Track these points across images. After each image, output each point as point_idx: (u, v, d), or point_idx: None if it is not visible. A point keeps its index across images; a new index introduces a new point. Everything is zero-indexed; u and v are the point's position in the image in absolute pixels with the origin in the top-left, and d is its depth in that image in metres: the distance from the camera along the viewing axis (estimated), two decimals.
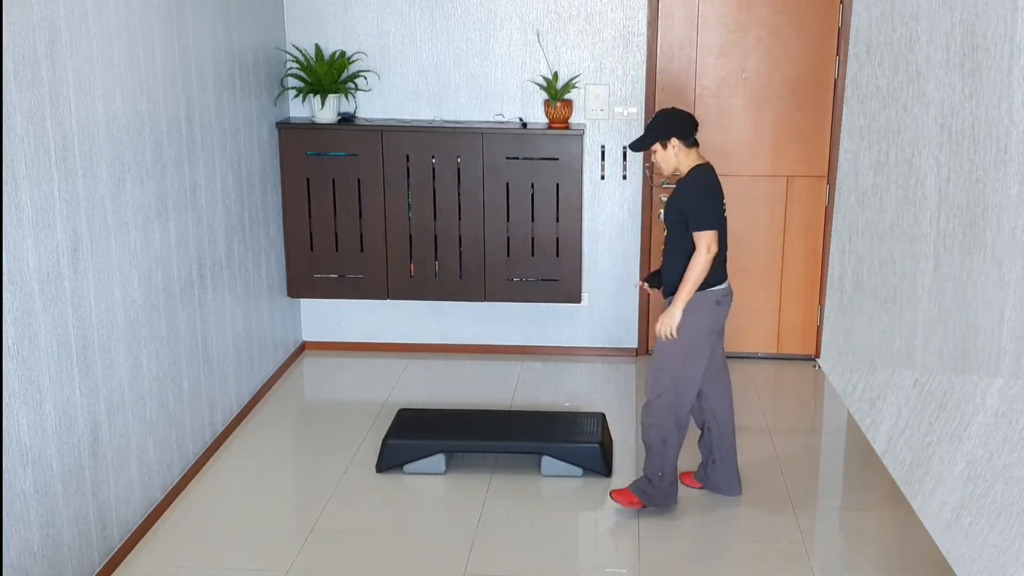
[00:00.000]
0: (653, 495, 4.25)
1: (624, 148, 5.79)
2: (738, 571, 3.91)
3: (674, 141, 4.12)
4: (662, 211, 4.33)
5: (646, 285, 4.50)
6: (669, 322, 4.10)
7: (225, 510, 4.32)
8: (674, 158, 4.16)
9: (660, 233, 5.91)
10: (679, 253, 4.14)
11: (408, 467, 4.58)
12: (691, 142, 4.15)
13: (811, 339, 6.01)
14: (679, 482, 4.38)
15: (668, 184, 4.22)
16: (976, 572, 2.70)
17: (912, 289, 2.92)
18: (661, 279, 4.33)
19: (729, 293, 4.23)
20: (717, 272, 4.13)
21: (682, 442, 4.23)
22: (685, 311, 4.10)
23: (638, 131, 5.76)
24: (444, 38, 5.73)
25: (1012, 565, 2.62)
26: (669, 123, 4.15)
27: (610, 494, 4.34)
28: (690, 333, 4.12)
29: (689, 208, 4.07)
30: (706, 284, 4.11)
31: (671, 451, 4.21)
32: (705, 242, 4.02)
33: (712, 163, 5.99)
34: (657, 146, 4.15)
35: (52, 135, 3.40)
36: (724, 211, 4.17)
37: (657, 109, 5.73)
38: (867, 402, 3.09)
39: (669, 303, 4.19)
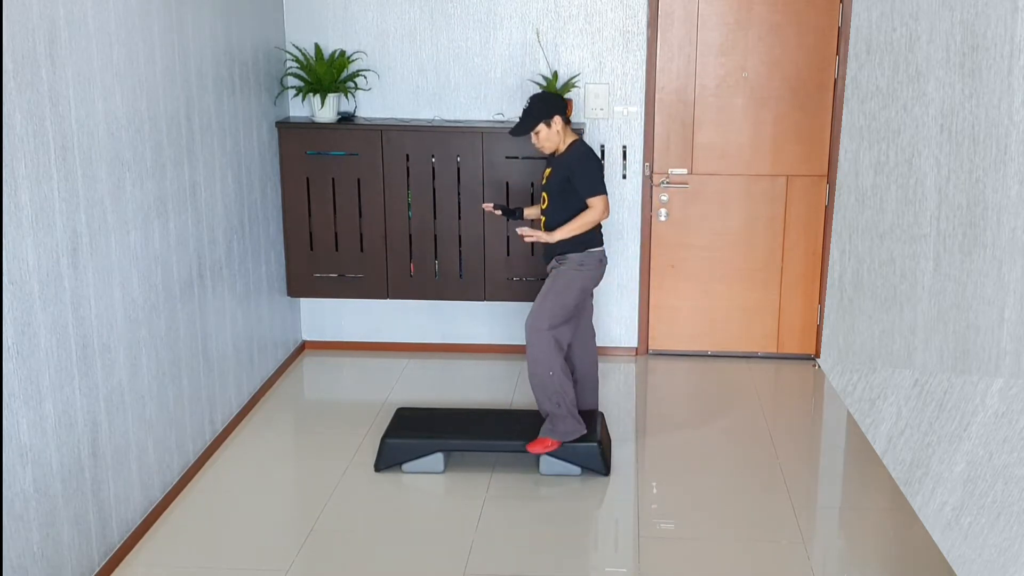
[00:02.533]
0: (562, 428, 4.49)
1: (624, 148, 5.79)
2: (738, 571, 3.92)
3: (557, 119, 4.46)
4: (544, 181, 4.60)
5: (492, 206, 4.84)
6: (543, 237, 4.47)
7: (225, 509, 4.32)
8: (557, 136, 4.49)
9: (657, 231, 5.91)
10: (560, 221, 4.48)
11: (407, 466, 4.59)
12: (567, 120, 4.51)
13: (811, 339, 6.01)
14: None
15: (552, 158, 4.45)
16: (976, 572, 2.71)
17: (912, 289, 2.92)
18: (512, 211, 4.84)
19: (606, 257, 4.65)
20: (599, 234, 4.58)
21: (566, 372, 4.53)
22: (580, 264, 4.50)
23: (638, 130, 5.77)
24: (444, 37, 5.73)
25: (1012, 565, 2.62)
26: (549, 103, 4.50)
27: (526, 449, 4.51)
28: (576, 285, 4.51)
29: (581, 176, 4.44)
30: (593, 243, 4.54)
31: (561, 381, 4.48)
32: (601, 205, 4.46)
33: (712, 162, 6.01)
34: (541, 126, 4.46)
35: (52, 135, 3.40)
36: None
37: (656, 109, 5.76)
38: (867, 402, 3.09)
39: (552, 268, 4.58)
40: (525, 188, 5.62)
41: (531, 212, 4.88)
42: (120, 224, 3.88)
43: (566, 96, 5.65)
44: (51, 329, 3.42)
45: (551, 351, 4.47)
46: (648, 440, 5.06)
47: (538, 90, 5.71)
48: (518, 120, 4.54)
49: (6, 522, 3.21)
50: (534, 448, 4.50)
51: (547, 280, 4.59)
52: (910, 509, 3.29)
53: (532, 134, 4.49)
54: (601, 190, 4.46)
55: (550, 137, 4.48)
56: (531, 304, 5.92)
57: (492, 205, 4.85)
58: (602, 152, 5.81)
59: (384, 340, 6.13)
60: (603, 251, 4.60)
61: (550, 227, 4.53)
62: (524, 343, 6.03)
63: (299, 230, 5.74)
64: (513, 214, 4.86)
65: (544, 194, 4.58)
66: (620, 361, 6.04)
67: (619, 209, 5.88)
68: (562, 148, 4.53)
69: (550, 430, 4.51)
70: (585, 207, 4.47)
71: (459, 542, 4.05)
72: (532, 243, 4.57)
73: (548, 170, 4.58)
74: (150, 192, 4.11)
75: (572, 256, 4.52)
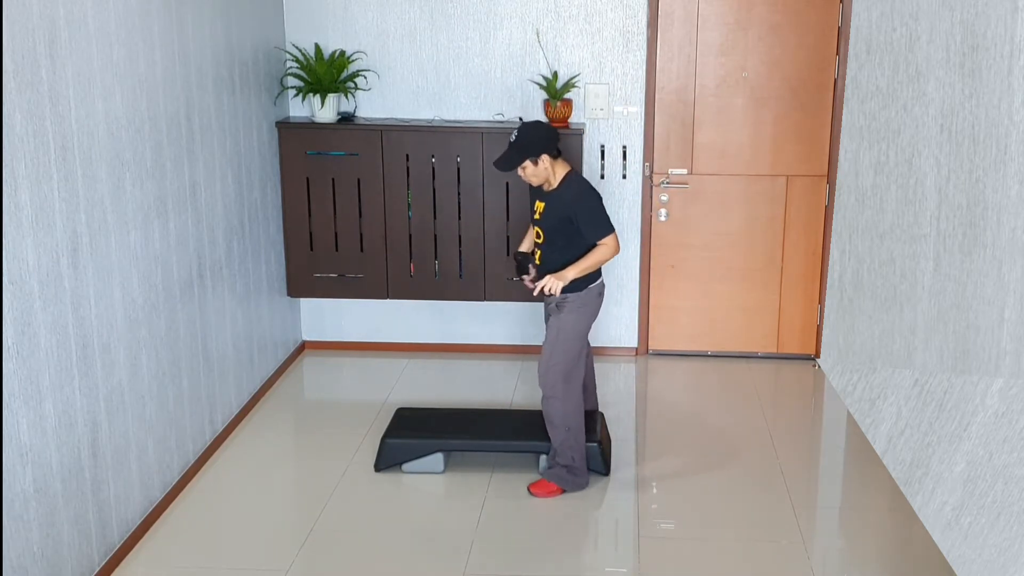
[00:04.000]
0: (573, 480, 4.43)
1: (623, 147, 5.79)
2: (738, 571, 3.91)
3: (545, 157, 4.25)
4: (538, 216, 4.38)
5: (527, 278, 4.53)
6: (559, 281, 4.24)
7: (225, 509, 4.32)
8: (545, 172, 4.28)
9: (657, 231, 5.91)
10: (557, 258, 4.32)
11: (407, 466, 4.59)
12: (556, 153, 4.30)
13: (811, 339, 6.01)
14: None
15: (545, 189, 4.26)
16: (976, 572, 2.71)
17: (912, 289, 2.92)
18: (527, 260, 4.53)
19: (604, 286, 4.49)
20: (595, 270, 4.38)
21: (582, 423, 4.43)
22: (583, 305, 4.33)
23: (638, 130, 5.77)
24: (444, 37, 5.73)
25: (1012, 565, 2.62)
26: (538, 139, 4.25)
27: (529, 490, 4.43)
28: (582, 326, 4.37)
29: (586, 220, 4.26)
30: (594, 278, 4.37)
31: (578, 435, 4.41)
32: (614, 244, 4.30)
33: (712, 162, 6.01)
34: (527, 163, 4.25)
35: (52, 135, 3.40)
36: None
37: (656, 109, 5.76)
38: (867, 402, 3.09)
39: (551, 306, 4.40)
40: (525, 188, 5.61)
41: (527, 245, 4.63)
42: (120, 224, 3.88)
43: (566, 96, 5.66)
44: (51, 329, 3.42)
45: (568, 405, 4.35)
46: (648, 440, 5.06)
47: (537, 89, 5.72)
48: (505, 151, 4.29)
49: (6, 522, 3.21)
50: (539, 490, 4.41)
51: (551, 327, 4.39)
52: (910, 509, 3.29)
53: (518, 168, 4.28)
54: (610, 229, 4.28)
55: (537, 173, 4.27)
56: (530, 304, 5.94)
57: (527, 277, 4.49)
58: (602, 152, 5.81)
59: (384, 340, 6.13)
60: (602, 282, 4.43)
61: (550, 265, 4.32)
62: (523, 343, 6.06)
63: (299, 230, 5.74)
64: (524, 265, 4.52)
65: (538, 229, 4.38)
66: (620, 361, 6.04)
67: (619, 209, 5.88)
68: (554, 182, 4.30)
69: (562, 479, 4.42)
70: (573, 245, 4.29)
71: (459, 542, 4.05)
72: (549, 293, 4.26)
73: (541, 204, 4.35)
74: (150, 192, 4.11)
75: (573, 297, 4.32)
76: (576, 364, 4.37)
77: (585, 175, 5.79)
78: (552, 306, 4.41)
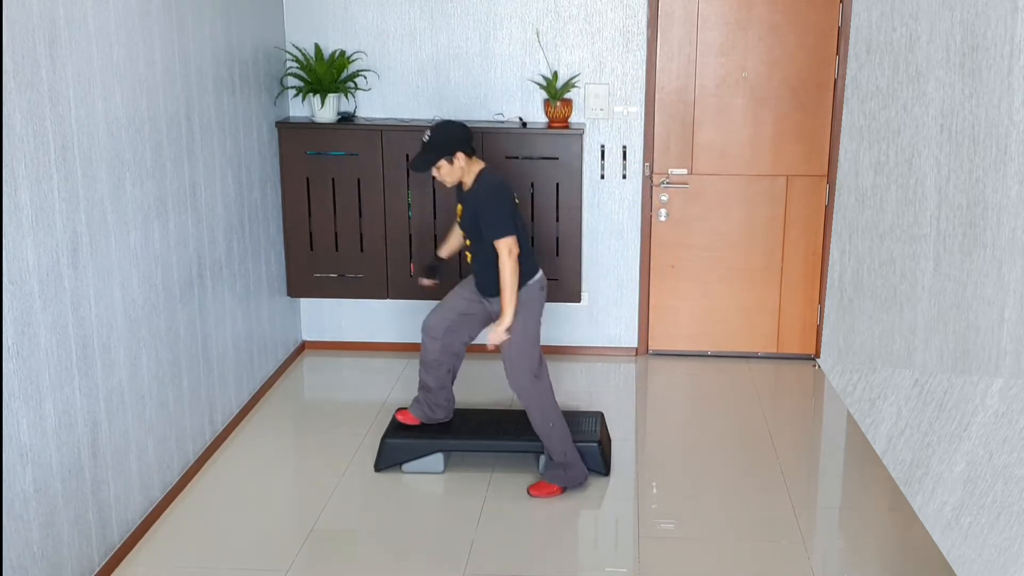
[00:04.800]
0: (569, 477, 4.44)
1: (623, 148, 5.79)
2: (738, 571, 3.92)
3: (459, 155, 4.22)
4: (459, 219, 4.40)
5: (427, 282, 4.68)
6: (502, 329, 4.26)
7: (225, 510, 4.32)
8: (459, 171, 4.26)
9: (657, 231, 5.91)
10: (487, 258, 4.30)
11: (406, 466, 4.59)
12: (471, 151, 4.28)
13: (811, 339, 6.01)
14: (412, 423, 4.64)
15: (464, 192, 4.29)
16: (976, 572, 2.71)
17: (912, 289, 2.92)
18: (437, 270, 4.65)
19: (544, 279, 4.46)
20: (527, 266, 4.33)
21: (562, 416, 4.46)
22: (520, 309, 4.30)
23: (638, 130, 5.77)
24: (444, 37, 5.73)
25: (1012, 565, 2.62)
26: (452, 138, 4.23)
27: (529, 492, 4.43)
28: (531, 324, 4.37)
29: (483, 219, 4.23)
30: (528, 276, 4.34)
31: (562, 429, 4.43)
32: (505, 248, 4.19)
33: (712, 162, 6.01)
34: (443, 162, 4.23)
35: (52, 135, 3.40)
36: (517, 207, 4.35)
37: (656, 109, 5.76)
38: (867, 402, 3.09)
39: (490, 301, 4.43)
40: (525, 188, 5.62)
41: (448, 249, 4.64)
42: (120, 224, 3.88)
43: (566, 96, 5.66)
44: (51, 329, 3.42)
45: (544, 402, 4.40)
46: (648, 440, 5.06)
47: (537, 89, 5.72)
48: (419, 153, 4.25)
49: (6, 522, 3.21)
50: (538, 492, 4.41)
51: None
52: (910, 509, 3.29)
53: (433, 169, 4.25)
54: (502, 232, 4.18)
55: (451, 173, 4.24)
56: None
57: (427, 281, 4.64)
58: (602, 152, 5.81)
59: (384, 340, 6.13)
60: (541, 276, 4.40)
61: (485, 266, 4.30)
62: None
63: (299, 230, 5.74)
64: (434, 270, 4.65)
65: (463, 232, 4.39)
66: (620, 361, 6.04)
67: (619, 209, 5.89)
68: (468, 181, 4.28)
69: (561, 477, 4.43)
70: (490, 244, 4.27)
71: (459, 542, 4.05)
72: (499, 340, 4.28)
73: (460, 206, 4.35)
74: (150, 192, 4.11)
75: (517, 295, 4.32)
76: (541, 361, 4.41)
77: (585, 175, 5.79)
78: (495, 309, 4.40)
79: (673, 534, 4.17)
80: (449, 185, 4.33)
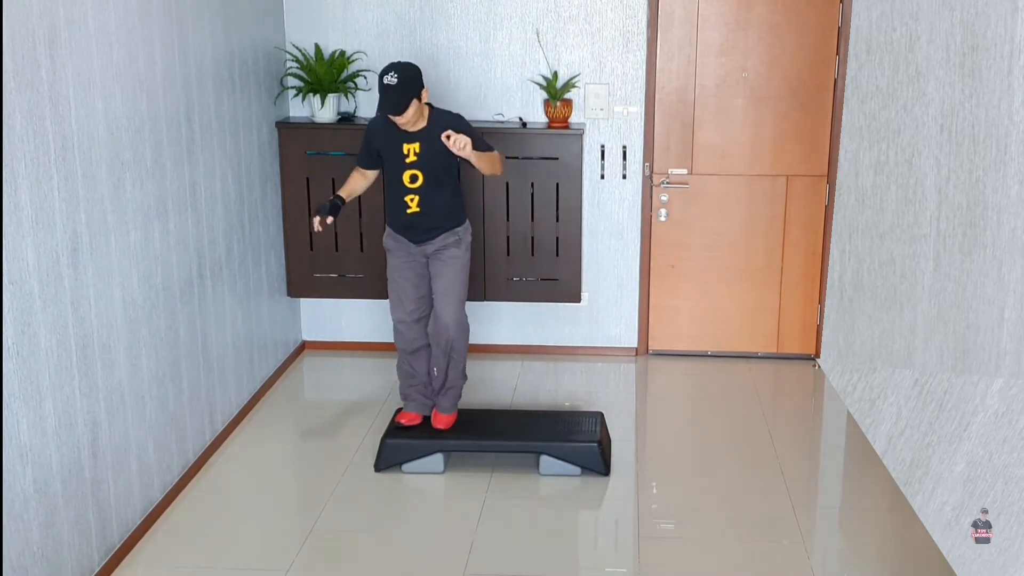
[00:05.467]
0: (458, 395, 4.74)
1: (623, 148, 5.79)
2: (738, 571, 3.91)
3: (424, 92, 4.26)
4: (413, 159, 4.33)
5: (319, 221, 4.39)
6: (467, 145, 4.22)
7: (225, 510, 4.32)
8: (421, 109, 4.27)
9: (657, 231, 5.91)
10: (449, 190, 4.44)
11: (407, 466, 4.59)
12: None
13: (811, 339, 6.01)
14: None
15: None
16: (976, 572, 2.71)
17: (912, 289, 2.92)
18: (339, 209, 4.44)
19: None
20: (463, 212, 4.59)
21: None
22: (463, 248, 4.51)
23: (638, 130, 5.77)
24: (444, 37, 5.73)
25: (1012, 565, 2.62)
26: (417, 75, 4.24)
27: (433, 423, 4.66)
28: (468, 254, 4.57)
29: (474, 133, 4.32)
30: (464, 218, 4.57)
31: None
32: (498, 153, 4.44)
33: (712, 162, 6.01)
34: (414, 101, 4.20)
35: (52, 135, 3.40)
36: None
37: (656, 109, 5.76)
38: (867, 402, 3.09)
39: (438, 244, 4.49)
40: (525, 188, 5.62)
41: (348, 191, 4.56)
42: (120, 224, 3.88)
43: (566, 96, 5.66)
44: (51, 329, 3.42)
45: (467, 335, 4.66)
46: (648, 440, 5.06)
47: (537, 89, 5.71)
48: (391, 96, 4.15)
49: (6, 522, 3.21)
50: (445, 421, 4.66)
51: (445, 266, 4.48)
52: (910, 509, 3.30)
53: (404, 117, 4.21)
54: (491, 144, 4.43)
55: (420, 110, 4.24)
56: (530, 304, 5.94)
57: (319, 220, 4.39)
58: (602, 152, 5.81)
59: (384, 340, 6.13)
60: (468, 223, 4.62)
61: (436, 208, 4.40)
62: (523, 343, 6.06)
63: (299, 230, 5.74)
64: (338, 208, 4.43)
65: (415, 172, 4.34)
66: (620, 361, 6.04)
67: (619, 209, 5.88)
68: (422, 122, 4.30)
69: (458, 400, 4.73)
70: (453, 180, 4.47)
71: (459, 542, 4.05)
72: (459, 148, 4.21)
73: (412, 146, 4.30)
74: (150, 192, 4.11)
75: (460, 231, 4.51)
76: None
77: (585, 175, 5.79)
78: (437, 249, 4.49)
79: (673, 534, 4.17)
80: (411, 127, 4.28)
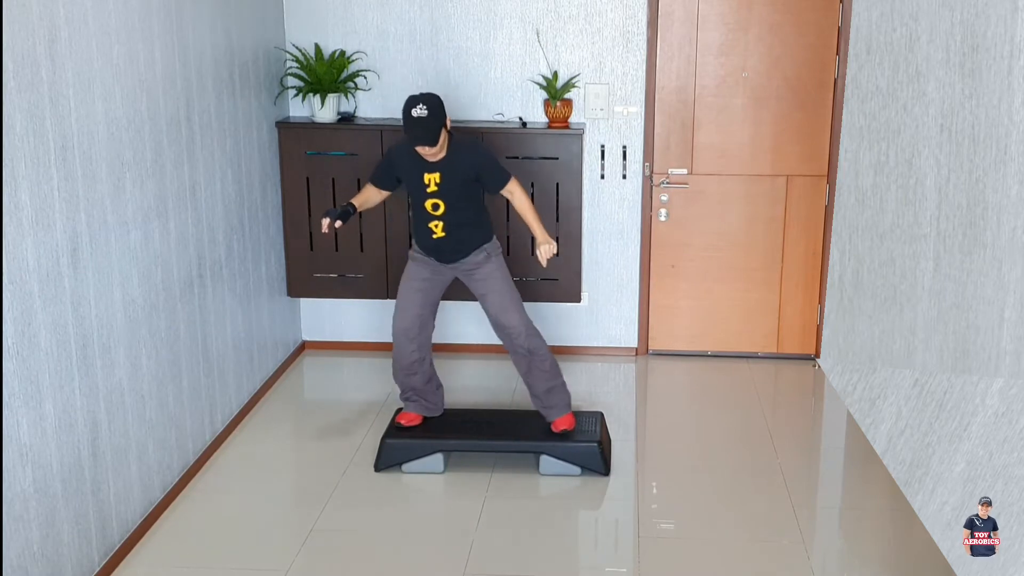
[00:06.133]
0: (568, 400, 4.69)
1: (623, 147, 5.78)
2: (738, 571, 3.92)
3: (448, 121, 4.28)
4: (433, 188, 4.33)
5: (328, 223, 4.40)
6: (549, 245, 4.38)
7: (225, 510, 4.32)
8: (445, 139, 4.28)
9: (657, 231, 5.91)
10: (468, 217, 4.43)
11: (407, 466, 4.59)
12: None
13: (811, 339, 6.01)
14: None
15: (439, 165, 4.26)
16: (976, 572, 2.71)
17: (912, 289, 2.92)
18: (349, 215, 4.45)
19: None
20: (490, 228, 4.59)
21: None
22: (497, 260, 4.52)
23: (638, 130, 5.77)
24: (444, 37, 5.73)
25: (1012, 565, 2.62)
26: (441, 106, 4.25)
27: (552, 425, 4.62)
28: (504, 265, 4.58)
29: (491, 166, 4.40)
30: (492, 235, 4.56)
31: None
32: (518, 185, 4.46)
33: (712, 162, 6.01)
34: (443, 131, 4.23)
35: (52, 135, 3.40)
36: None
37: (655, 109, 5.76)
38: (867, 402, 3.09)
39: (472, 264, 4.49)
40: (525, 187, 5.61)
41: (361, 202, 4.55)
42: (120, 224, 3.88)
43: (566, 96, 5.66)
44: (51, 329, 3.42)
45: (540, 336, 4.60)
46: (648, 440, 5.06)
47: (537, 89, 5.71)
48: (422, 128, 4.17)
49: (6, 522, 3.21)
50: (564, 424, 4.61)
51: (489, 280, 4.47)
52: (910, 509, 3.29)
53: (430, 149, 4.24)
54: (510, 173, 4.45)
55: (443, 140, 4.25)
56: (530, 304, 5.93)
57: (327, 223, 4.39)
58: (602, 152, 5.81)
59: (384, 340, 6.12)
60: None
61: (460, 232, 4.40)
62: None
63: (299, 230, 5.74)
64: (348, 215, 4.44)
65: (436, 201, 4.35)
66: (620, 361, 6.04)
67: (619, 209, 5.88)
68: (442, 152, 4.30)
69: (567, 403, 4.65)
70: (477, 203, 4.46)
71: (459, 542, 4.05)
72: (546, 255, 4.38)
73: (433, 176, 4.32)
74: (150, 192, 4.11)
75: (489, 247, 4.49)
76: None
77: (585, 175, 5.79)
78: (469, 269, 4.49)
79: (673, 534, 4.17)
80: (436, 157, 4.29)
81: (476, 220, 4.47)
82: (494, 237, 4.57)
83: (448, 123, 4.26)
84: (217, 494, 4.44)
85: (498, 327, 4.54)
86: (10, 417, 3.22)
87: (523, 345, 4.51)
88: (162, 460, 4.25)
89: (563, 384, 4.66)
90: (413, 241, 4.60)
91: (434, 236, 4.42)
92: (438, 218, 4.38)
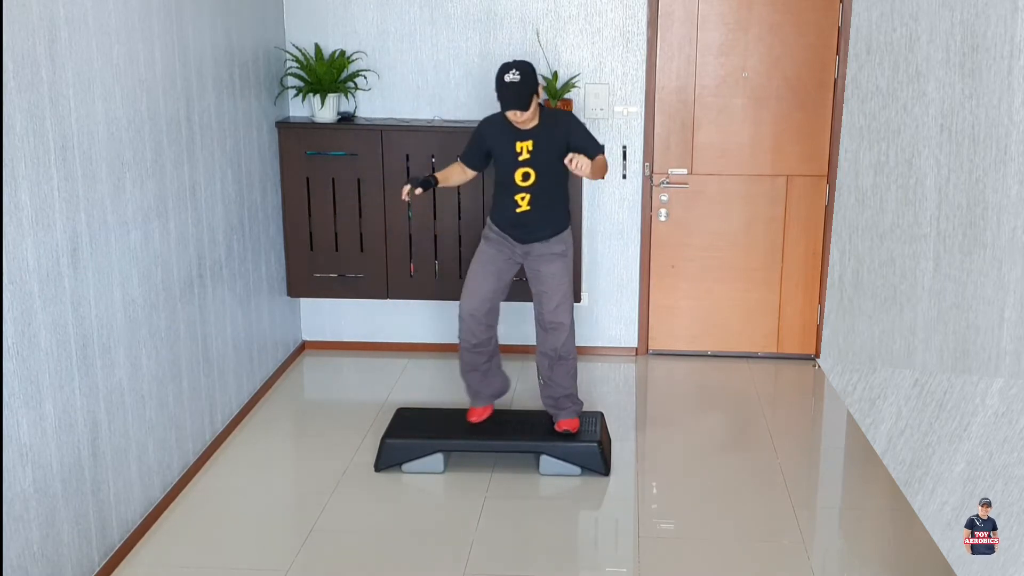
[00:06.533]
0: (579, 408, 4.72)
1: (623, 147, 5.78)
2: (738, 571, 3.92)
3: (540, 88, 4.30)
4: (526, 156, 4.33)
5: (407, 191, 4.40)
6: (586, 166, 4.26)
7: (225, 510, 4.32)
8: (536, 105, 4.31)
9: (657, 231, 5.91)
10: (553, 192, 4.45)
11: (406, 466, 4.59)
12: None
13: (811, 339, 6.01)
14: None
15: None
16: (976, 572, 2.71)
17: (912, 289, 2.92)
18: (430, 185, 4.46)
19: None
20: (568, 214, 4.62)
21: None
22: (566, 249, 4.53)
23: (638, 130, 5.77)
24: (444, 37, 5.73)
25: (1012, 565, 2.62)
26: (534, 73, 4.28)
27: (556, 424, 4.64)
28: (572, 258, 4.61)
29: (586, 134, 4.41)
30: (568, 223, 4.57)
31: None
32: (604, 157, 4.48)
33: (712, 162, 6.01)
34: (534, 98, 4.26)
35: (52, 135, 3.40)
36: None
37: (655, 109, 5.76)
38: (867, 402, 3.09)
39: (541, 248, 4.50)
40: None
41: (443, 176, 4.59)
42: (120, 224, 3.88)
43: (566, 96, 5.66)
44: (51, 329, 3.42)
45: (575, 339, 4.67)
46: (648, 440, 5.06)
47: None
48: (515, 92, 4.20)
49: (6, 522, 3.21)
50: (571, 424, 4.62)
51: (551, 276, 4.49)
52: (910, 509, 3.30)
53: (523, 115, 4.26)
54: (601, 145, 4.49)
55: (535, 106, 4.28)
56: (530, 304, 5.93)
57: (408, 189, 4.37)
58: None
59: (384, 340, 6.13)
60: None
61: (543, 206, 4.42)
62: (523, 343, 6.05)
63: (299, 230, 5.74)
64: (430, 185, 4.46)
65: (527, 170, 4.36)
66: (620, 361, 6.04)
67: (619, 209, 5.88)
68: (535, 120, 4.33)
69: (577, 410, 4.67)
70: (563, 179, 4.47)
71: (459, 542, 4.05)
72: (580, 170, 4.25)
73: (525, 143, 4.33)
74: (150, 192, 4.11)
75: (565, 236, 4.52)
76: None
77: None
78: (541, 254, 4.49)
79: (673, 534, 4.17)
80: (527, 125, 4.32)
81: (560, 199, 4.49)
82: (570, 227, 4.57)
83: (540, 91, 4.30)
84: (217, 494, 4.44)
85: (545, 324, 4.57)
86: (10, 417, 3.22)
87: (561, 346, 4.57)
88: (162, 460, 4.25)
89: (577, 392, 4.72)
90: (489, 219, 4.61)
91: (518, 210, 4.43)
92: (526, 189, 4.39)
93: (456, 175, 4.60)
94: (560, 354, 4.57)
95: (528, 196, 4.40)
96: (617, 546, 4.17)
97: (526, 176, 4.39)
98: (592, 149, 4.39)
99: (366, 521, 4.24)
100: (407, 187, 4.39)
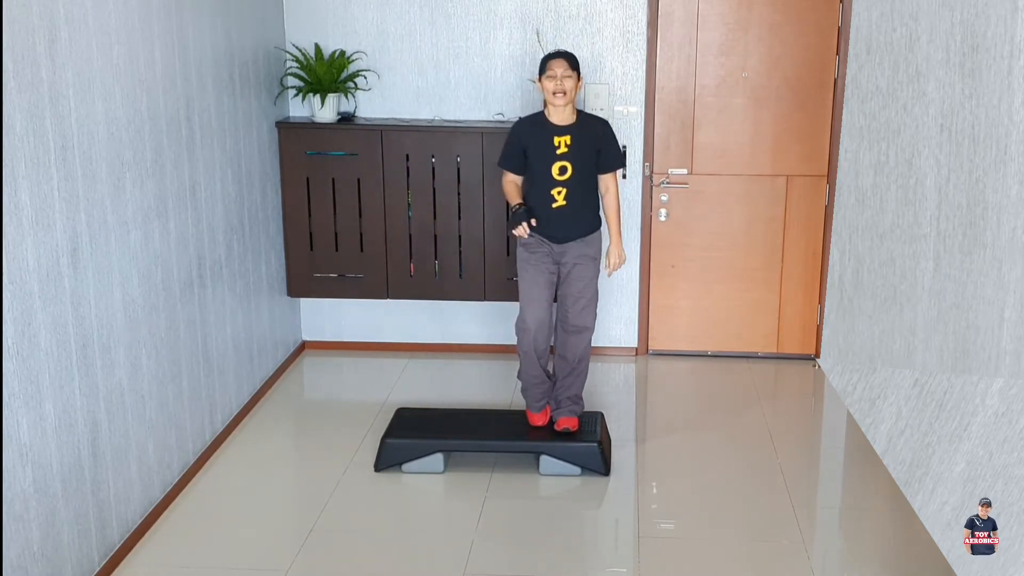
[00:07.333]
0: (582, 407, 4.75)
1: (623, 147, 5.78)
2: (738, 571, 3.92)
3: (581, 80, 4.47)
4: (564, 150, 4.42)
5: (525, 228, 4.45)
6: (621, 250, 4.62)
7: (225, 510, 4.32)
8: (576, 95, 4.45)
9: (657, 231, 5.91)
10: (587, 191, 4.51)
11: (406, 466, 4.59)
12: None
13: (811, 339, 6.01)
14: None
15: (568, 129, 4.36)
16: (976, 572, 2.71)
17: (912, 289, 2.92)
18: (532, 212, 4.48)
19: None
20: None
21: None
22: (600, 245, 4.61)
23: (638, 130, 5.77)
24: (444, 37, 5.73)
25: (1012, 565, 2.62)
26: (578, 63, 4.45)
27: (556, 423, 4.65)
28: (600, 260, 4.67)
29: (615, 145, 4.57)
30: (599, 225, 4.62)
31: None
32: (617, 178, 4.62)
33: (712, 162, 6.01)
34: (575, 74, 4.41)
35: (52, 135, 3.40)
36: None
37: (656, 109, 5.76)
38: (867, 402, 3.09)
39: (572, 251, 4.54)
40: None
41: (515, 194, 4.58)
42: (120, 224, 3.88)
43: None
44: (51, 329, 3.42)
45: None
46: (648, 440, 5.06)
47: (538, 89, 5.71)
48: (561, 51, 4.48)
49: (6, 522, 3.21)
50: (571, 422, 4.63)
51: (582, 280, 4.53)
52: (910, 509, 3.30)
53: (566, 78, 4.35)
54: (623, 161, 4.63)
55: (574, 90, 4.41)
56: None
57: (524, 227, 4.42)
58: None
59: (384, 340, 6.13)
60: None
61: (578, 202, 4.47)
62: None
63: (299, 230, 5.74)
64: (529, 208, 4.48)
65: (565, 164, 4.43)
66: (620, 361, 6.04)
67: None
68: (573, 116, 4.47)
69: (578, 409, 4.70)
70: (595, 181, 4.54)
71: (459, 542, 4.05)
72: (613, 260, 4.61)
73: (564, 138, 4.42)
74: (150, 192, 4.11)
75: (598, 236, 4.58)
76: None
77: None
78: (575, 256, 4.52)
79: (673, 534, 4.17)
80: (565, 103, 4.39)
81: (593, 197, 4.55)
82: (601, 229, 4.62)
83: (581, 83, 4.45)
84: (217, 494, 4.44)
85: (569, 327, 4.61)
86: (10, 417, 3.22)
87: (583, 352, 4.62)
88: (162, 460, 4.25)
89: (582, 395, 4.75)
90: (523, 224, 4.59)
91: (555, 204, 4.45)
92: (563, 184, 4.43)
93: (515, 187, 4.58)
94: (582, 356, 4.65)
95: (564, 191, 4.44)
96: (617, 546, 4.17)
97: (563, 170, 4.43)
98: (614, 163, 4.56)
99: (366, 521, 4.24)
100: (523, 225, 4.42)
